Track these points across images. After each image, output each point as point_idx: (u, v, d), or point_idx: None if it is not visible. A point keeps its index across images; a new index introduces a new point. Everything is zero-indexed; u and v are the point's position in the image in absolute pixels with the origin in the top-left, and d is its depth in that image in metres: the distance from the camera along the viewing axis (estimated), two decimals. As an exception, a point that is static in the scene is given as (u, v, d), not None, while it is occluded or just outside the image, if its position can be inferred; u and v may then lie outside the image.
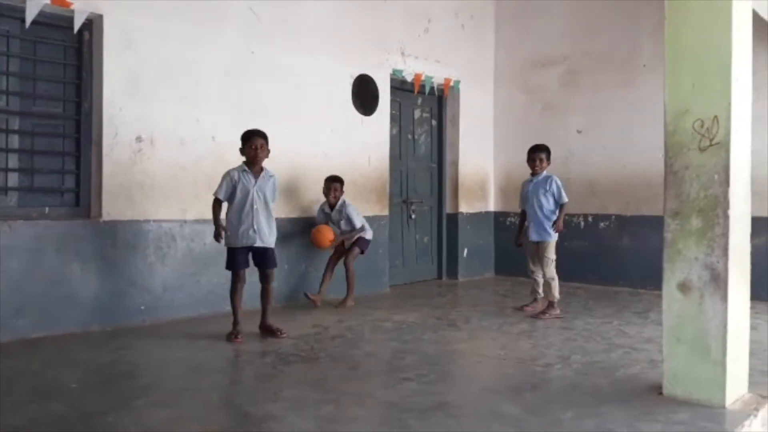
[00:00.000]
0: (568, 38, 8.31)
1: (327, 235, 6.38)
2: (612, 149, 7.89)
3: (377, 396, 3.81)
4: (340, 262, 6.64)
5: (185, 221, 5.80)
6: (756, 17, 5.19)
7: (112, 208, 5.39)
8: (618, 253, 7.78)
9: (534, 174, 6.34)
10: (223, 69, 6.05)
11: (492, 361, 4.74)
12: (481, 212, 8.82)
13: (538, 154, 6.31)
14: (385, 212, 7.45)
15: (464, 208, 8.56)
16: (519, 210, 6.67)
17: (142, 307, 5.54)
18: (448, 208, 8.58)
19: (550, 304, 6.16)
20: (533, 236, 6.27)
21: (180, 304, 5.74)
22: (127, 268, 5.47)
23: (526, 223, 6.39)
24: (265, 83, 6.33)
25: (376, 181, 7.33)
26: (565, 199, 6.21)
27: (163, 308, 5.63)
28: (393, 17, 7.54)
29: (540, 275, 6.29)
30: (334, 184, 6.52)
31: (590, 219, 8.16)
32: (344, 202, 6.54)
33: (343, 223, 6.53)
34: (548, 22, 8.46)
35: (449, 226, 8.56)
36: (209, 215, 5.27)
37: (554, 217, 6.20)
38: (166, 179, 5.69)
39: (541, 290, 6.34)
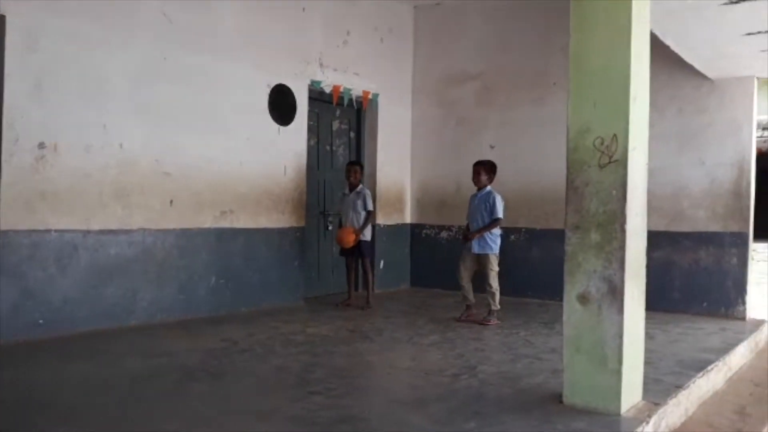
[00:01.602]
0: (482, 55, 8.51)
1: (350, 236, 6.93)
2: (523, 164, 8.11)
3: (283, 411, 3.75)
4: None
5: (89, 231, 5.58)
6: (655, 39, 5.50)
7: (10, 217, 5.10)
8: (527, 266, 7.99)
9: (477, 188, 6.54)
10: (133, 74, 5.87)
11: (401, 373, 4.76)
12: (397, 224, 8.89)
13: (476, 168, 6.55)
14: (301, 223, 7.40)
15: (381, 219, 8.59)
16: (462, 223, 7.05)
17: (41, 321, 5.28)
18: (364, 220, 8.58)
19: (491, 312, 6.39)
20: (475, 248, 6.43)
21: (81, 318, 5.50)
22: (24, 280, 5.20)
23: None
24: (177, 89, 6.19)
25: (292, 191, 7.27)
26: (498, 215, 6.40)
27: (64, 322, 5.38)
28: (312, 28, 7.53)
29: (469, 283, 6.55)
30: (354, 167, 7.14)
31: (501, 231, 8.32)
32: (363, 186, 7.14)
33: (359, 204, 7.01)
34: (464, 39, 8.66)
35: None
36: (115, 225, 5.09)
37: (497, 231, 6.46)
38: (70, 187, 5.45)
39: (471, 297, 6.56)
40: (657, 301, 6.56)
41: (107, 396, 3.96)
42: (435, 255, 8.65)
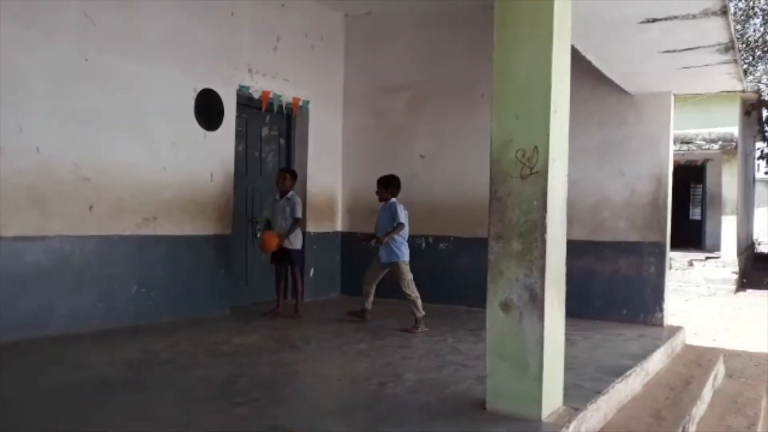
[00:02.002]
0: (413, 65, 8.58)
1: (273, 240, 6.83)
2: (452, 174, 8.22)
3: (206, 423, 3.66)
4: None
5: (2, 238, 5.33)
6: (578, 54, 5.68)
7: None
8: (456, 273, 8.08)
9: (380, 202, 6.73)
10: (52, 75, 5.65)
11: (328, 382, 4.73)
12: (328, 232, 8.85)
13: (377, 183, 6.74)
14: (228, 231, 7.26)
15: (312, 227, 8.53)
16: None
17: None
18: (294, 228, 8.50)
19: (417, 320, 6.45)
20: (383, 258, 6.51)
21: (-7, 328, 5.24)
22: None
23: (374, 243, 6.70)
24: (99, 92, 5.99)
25: (219, 198, 7.14)
26: (400, 220, 6.51)
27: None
28: (241, 33, 7.42)
29: (373, 290, 6.74)
30: (284, 173, 7.09)
31: (431, 240, 8.44)
32: (294, 193, 7.05)
33: (288, 210, 6.95)
34: (395, 49, 8.71)
35: (295, 245, 8.48)
36: (31, 232, 4.87)
37: (401, 240, 6.56)
38: (-18, 191, 5.20)
39: (369, 302, 6.75)
40: (579, 309, 6.70)
41: (21, 410, 3.78)
42: (366, 263, 8.62)
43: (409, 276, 6.54)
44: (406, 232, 6.61)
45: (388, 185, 6.71)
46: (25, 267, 5.48)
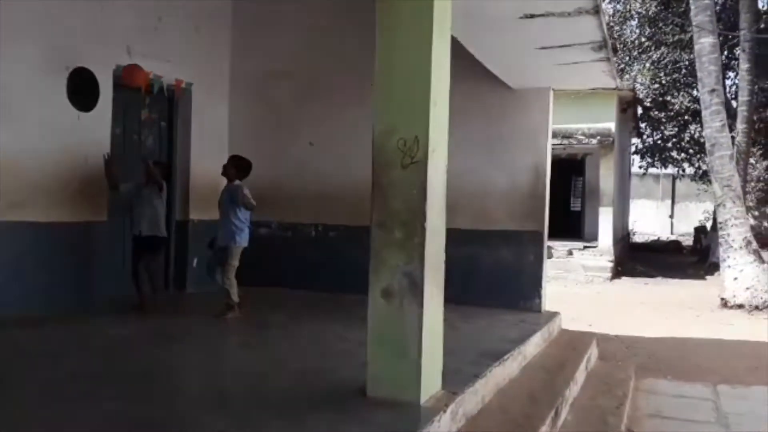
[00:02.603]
0: (301, 52, 8.46)
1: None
2: (342, 162, 8.17)
3: (74, 419, 3.46)
4: None
5: None
6: (462, 49, 5.79)
7: None
8: (346, 262, 8.05)
9: (229, 182, 6.58)
10: None
11: (206, 375, 4.60)
12: (213, 220, 8.57)
13: (230, 162, 6.62)
14: (103, 218, 6.90)
15: (195, 215, 8.26)
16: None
17: None
18: (178, 215, 8.21)
19: (231, 307, 6.28)
20: (221, 241, 6.41)
21: None
22: None
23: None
24: (-45, 67, 5.52)
25: (94, 183, 6.75)
26: (250, 202, 6.39)
27: None
28: (118, 10, 7.01)
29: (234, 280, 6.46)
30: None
31: (320, 228, 8.40)
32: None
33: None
34: (283, 35, 8.54)
35: (178, 234, 8.20)
36: None
37: (241, 225, 6.42)
38: None
39: (235, 295, 6.42)
40: (463, 295, 6.94)
41: None
42: (252, 251, 8.50)
43: (236, 263, 6.39)
44: (247, 217, 6.49)
45: (242, 168, 6.56)
46: None
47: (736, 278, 11.88)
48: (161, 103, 7.96)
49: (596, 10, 5.07)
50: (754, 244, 12.25)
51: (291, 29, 8.53)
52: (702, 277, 16.23)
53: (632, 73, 21.81)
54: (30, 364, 4.51)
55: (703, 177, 22.92)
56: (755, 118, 17.81)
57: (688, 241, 24.88)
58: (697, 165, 23.21)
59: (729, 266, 12.11)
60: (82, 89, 6.54)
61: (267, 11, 8.62)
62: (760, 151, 20.38)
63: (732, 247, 12.14)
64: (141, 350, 5.03)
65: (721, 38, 15.06)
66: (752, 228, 13.46)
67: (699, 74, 13.02)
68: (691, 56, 16.01)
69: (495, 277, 7.63)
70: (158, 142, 8.03)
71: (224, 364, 4.80)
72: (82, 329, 5.65)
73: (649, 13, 21.11)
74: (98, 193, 6.82)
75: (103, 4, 6.84)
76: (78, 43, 6.54)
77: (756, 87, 17.14)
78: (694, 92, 19.43)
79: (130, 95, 7.41)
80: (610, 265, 16.01)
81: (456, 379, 4.26)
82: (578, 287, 14.38)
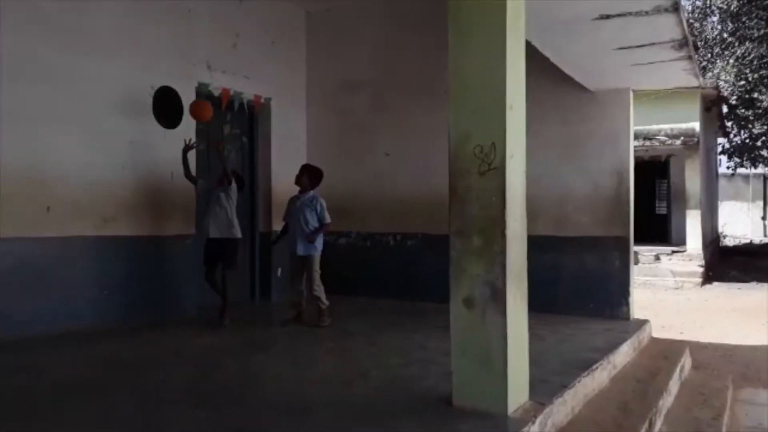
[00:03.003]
0: (376, 61, 8.55)
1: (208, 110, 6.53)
2: (418, 171, 8.20)
3: (165, 427, 3.59)
4: None
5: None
6: (537, 52, 5.70)
7: None
8: (424, 270, 8.07)
9: (301, 191, 6.62)
10: (2, 75, 5.50)
11: (292, 383, 4.65)
12: (296, 231, 8.75)
13: (302, 169, 6.68)
14: (191, 230, 7.15)
15: (278, 226, 8.39)
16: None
17: None
18: (261, 227, 8.43)
19: (322, 312, 6.40)
20: (300, 250, 6.45)
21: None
22: None
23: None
24: (49, 90, 5.86)
25: (181, 198, 7.01)
26: (328, 219, 6.51)
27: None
28: (198, 29, 7.30)
29: (304, 288, 6.57)
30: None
31: (398, 237, 8.42)
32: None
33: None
34: (357, 45, 8.66)
35: (262, 245, 8.41)
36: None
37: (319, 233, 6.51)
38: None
39: (303, 301, 6.59)
40: (545, 304, 6.78)
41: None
42: (334, 261, 8.60)
43: (319, 270, 6.50)
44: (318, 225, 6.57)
45: (317, 177, 6.64)
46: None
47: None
48: (242, 119, 8.21)
49: (675, 8, 4.88)
50: None
51: (365, 39, 8.64)
52: (801, 282, 15.29)
53: (715, 71, 20.88)
54: (126, 373, 4.70)
55: (797, 176, 21.71)
56: None
57: (783, 244, 23.55)
58: (789, 164, 22.02)
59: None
60: (166, 107, 6.81)
61: (341, 22, 8.77)
62: None
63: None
64: (228, 359, 5.17)
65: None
66: None
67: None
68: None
69: (579, 284, 7.44)
70: (240, 157, 8.26)
71: (309, 373, 4.86)
72: (173, 338, 5.87)
73: (731, 8, 20.18)
74: (186, 207, 7.08)
75: (183, 24, 7.12)
76: (162, 63, 6.83)
77: None
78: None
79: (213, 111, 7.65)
80: (700, 270, 15.32)
81: (543, 389, 4.17)
82: (667, 294, 13.81)
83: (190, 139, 6.63)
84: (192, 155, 6.72)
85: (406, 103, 8.34)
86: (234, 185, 6.56)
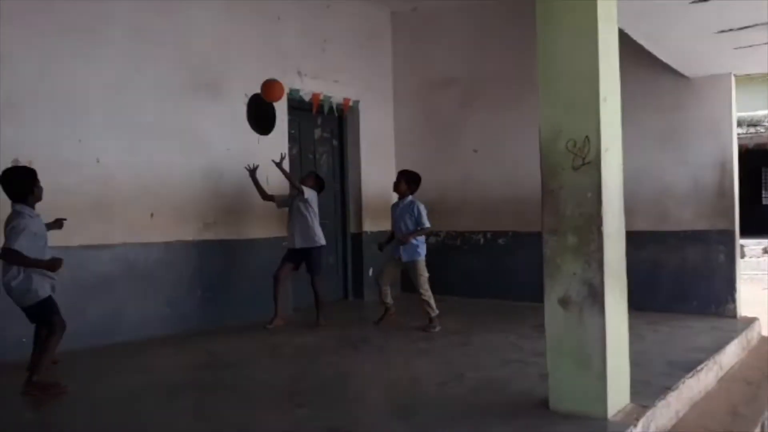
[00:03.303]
0: (462, 58, 8.49)
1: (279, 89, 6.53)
2: (507, 167, 8.08)
3: (266, 425, 3.70)
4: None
5: (69, 247, 5.49)
6: (630, 38, 5.48)
7: (-12, 235, 5.05)
8: (516, 268, 7.94)
9: (400, 197, 6.56)
10: (108, 88, 5.83)
11: (387, 382, 4.71)
12: (386, 231, 8.79)
13: (399, 176, 6.61)
14: (285, 233, 7.31)
15: (369, 227, 8.55)
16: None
17: (24, 340, 5.17)
18: (352, 228, 8.56)
19: (431, 319, 6.33)
20: (404, 257, 6.42)
21: (65, 336, 5.40)
22: (6, 298, 5.11)
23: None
24: (153, 102, 6.15)
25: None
26: (427, 224, 6.41)
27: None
28: (288, 36, 7.49)
29: (389, 287, 6.58)
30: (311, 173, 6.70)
31: (489, 235, 8.33)
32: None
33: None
34: (443, 43, 8.64)
35: (354, 245, 8.54)
36: (96, 240, 5.06)
37: (421, 238, 6.45)
38: (47, 204, 5.34)
39: (389, 299, 6.59)
40: (646, 302, 6.58)
41: (91, 414, 3.91)
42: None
43: (426, 274, 6.43)
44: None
45: (414, 181, 6.56)
46: (92, 275, 5.66)
47: None
48: (332, 122, 8.35)
49: (784, -16, 4.58)
50: None
51: (451, 36, 8.60)
52: None
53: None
54: (227, 372, 4.88)
55: None
56: None
57: None
58: None
59: None
60: (260, 114, 7.02)
61: (426, 21, 8.77)
62: None
63: None
64: (324, 358, 5.27)
65: None
66: None
67: None
68: None
69: (681, 280, 7.12)
70: (330, 160, 8.41)
71: (403, 373, 4.88)
72: (271, 338, 6.03)
73: None
74: (280, 210, 7.25)
75: (274, 32, 7.31)
76: (253, 70, 7.02)
77: None
78: None
79: (304, 116, 7.85)
80: (815, 262, 14.33)
81: (645, 391, 4.03)
82: (778, 289, 13.00)
83: (249, 165, 6.57)
84: (286, 163, 6.85)
85: (494, 99, 8.24)
86: (309, 191, 6.52)
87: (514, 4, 7.75)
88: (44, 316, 4.35)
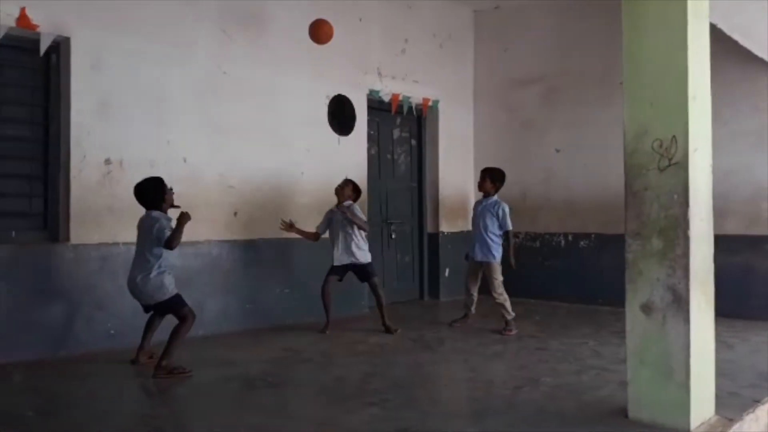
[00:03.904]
0: (545, 56, 8.33)
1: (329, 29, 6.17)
2: (590, 167, 7.87)
3: (339, 422, 3.74)
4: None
5: (157, 244, 5.74)
6: (724, 34, 5.22)
7: (80, 231, 5.34)
8: (598, 272, 7.71)
9: (484, 196, 6.45)
10: (194, 90, 6.04)
11: (460, 385, 4.68)
12: (462, 231, 8.73)
13: (483, 174, 6.48)
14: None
15: (445, 227, 8.52)
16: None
17: (112, 332, 5.46)
18: (429, 228, 8.55)
19: (507, 322, 6.24)
20: (478, 256, 6.34)
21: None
22: (95, 292, 5.40)
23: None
24: (238, 103, 6.32)
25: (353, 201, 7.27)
26: (509, 226, 6.29)
27: (133, 333, 5.48)
28: (369, 38, 7.56)
29: (476, 292, 6.52)
30: (346, 181, 6.37)
31: (570, 237, 8.13)
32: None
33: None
34: (526, 41, 8.50)
35: (430, 245, 8.52)
36: (183, 237, 5.27)
37: (498, 240, 6.33)
38: (136, 201, 5.63)
39: (473, 307, 6.55)
40: (736, 309, 6.26)
41: (168, 406, 4.06)
42: (502, 261, 8.52)
43: (501, 277, 6.32)
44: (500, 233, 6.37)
45: (500, 179, 6.43)
46: (177, 271, 5.82)
47: None
48: (411, 122, 8.36)
49: None
50: None
51: (534, 33, 8.46)
52: None
53: None
54: (304, 368, 4.98)
55: None
56: None
57: None
58: None
59: None
60: (340, 115, 7.10)
61: (509, 18, 8.68)
62: None
63: None
64: (398, 357, 5.28)
65: None
66: None
67: None
68: None
69: (775, 287, 6.73)
70: (409, 160, 8.42)
71: (477, 375, 4.83)
72: (347, 336, 6.10)
73: None
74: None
75: (355, 33, 7.39)
76: (335, 72, 7.13)
77: None
78: None
79: (383, 117, 7.90)
80: None
81: (732, 403, 3.85)
82: None
83: (286, 221, 6.31)
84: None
85: (578, 97, 8.05)
86: (347, 204, 6.26)
87: (599, 0, 7.55)
88: (176, 309, 4.80)
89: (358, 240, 6.27)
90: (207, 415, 3.89)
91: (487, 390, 4.41)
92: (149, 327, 5.06)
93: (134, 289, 4.81)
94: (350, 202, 6.31)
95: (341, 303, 6.82)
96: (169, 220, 4.85)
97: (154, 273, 4.74)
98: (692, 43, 3.43)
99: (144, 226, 4.82)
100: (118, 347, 5.37)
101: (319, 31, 6.17)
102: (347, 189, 6.33)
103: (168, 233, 4.69)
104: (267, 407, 4.01)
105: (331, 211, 6.41)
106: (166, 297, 4.78)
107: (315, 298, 6.66)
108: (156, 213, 4.83)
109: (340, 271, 6.35)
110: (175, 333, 4.73)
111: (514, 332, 6.20)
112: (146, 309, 4.96)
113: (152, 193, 4.86)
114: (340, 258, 6.28)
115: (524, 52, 8.53)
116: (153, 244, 4.73)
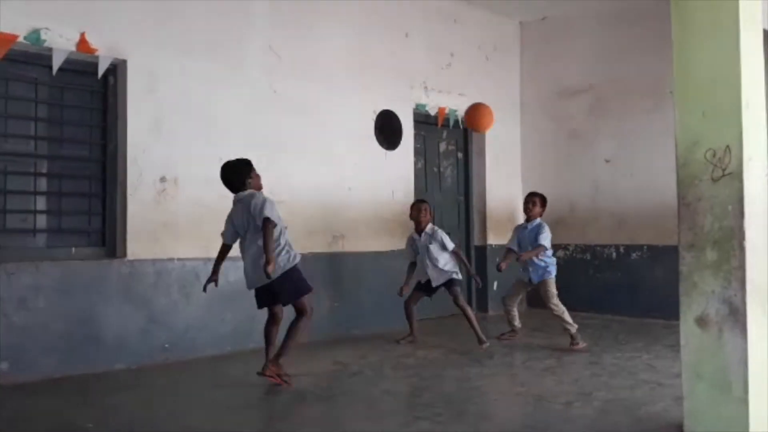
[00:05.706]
0: (593, 66, 8.26)
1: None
2: (641, 177, 7.75)
3: (389, 435, 3.76)
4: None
5: (209, 259, 5.83)
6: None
7: (136, 247, 5.50)
8: (651, 284, 7.57)
9: (528, 219, 6.42)
10: (245, 108, 6.18)
11: (511, 399, 4.64)
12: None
13: (531, 198, 6.44)
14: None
15: (493, 239, 8.47)
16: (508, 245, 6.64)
17: (166, 345, 5.60)
18: (476, 241, 8.52)
19: (573, 336, 6.12)
20: (534, 278, 6.31)
21: (203, 343, 5.79)
22: (151, 306, 5.55)
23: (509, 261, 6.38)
24: (287, 120, 6.44)
25: (401, 215, 7.28)
26: (541, 242, 6.21)
27: (187, 346, 5.67)
28: (415, 53, 7.62)
29: (515, 308, 6.56)
30: (423, 204, 6.39)
31: (622, 249, 8.00)
32: (434, 227, 6.36)
33: (433, 248, 6.22)
34: (572, 51, 8.44)
35: (478, 258, 8.48)
36: (233, 253, 5.38)
37: (548, 260, 6.28)
38: (190, 218, 5.78)
39: (516, 322, 6.54)
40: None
41: (224, 418, 4.13)
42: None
43: (556, 291, 6.24)
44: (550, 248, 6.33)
45: (545, 204, 6.42)
46: (229, 285, 5.96)
47: None
48: (457, 135, 8.37)
49: None
50: None
51: (582, 43, 8.40)
52: None
53: None
54: (353, 382, 5.00)
55: None
56: None
57: None
58: None
59: None
60: (387, 129, 7.17)
61: (555, 31, 8.63)
62: None
63: None
64: (449, 372, 5.26)
65: None
66: None
67: None
68: None
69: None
70: (456, 172, 8.42)
71: (527, 389, 4.78)
72: (396, 350, 6.11)
73: None
74: (405, 223, 7.34)
75: (401, 48, 7.46)
76: (382, 87, 7.22)
77: None
78: None
79: (429, 130, 7.94)
80: None
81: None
82: None
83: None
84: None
85: (627, 106, 7.95)
86: (429, 231, 6.30)
87: (648, 8, 7.45)
88: (300, 290, 4.88)
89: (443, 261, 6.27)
90: (260, 426, 3.95)
91: (538, 405, 4.36)
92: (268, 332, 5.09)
93: (258, 267, 4.72)
94: (432, 226, 6.34)
95: (390, 315, 6.84)
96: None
97: (282, 247, 4.79)
98: (744, 50, 3.36)
99: (242, 207, 4.77)
100: (172, 360, 5.52)
101: (482, 120, 6.45)
102: (424, 212, 6.32)
103: (273, 208, 4.68)
104: (318, 420, 4.05)
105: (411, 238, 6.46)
106: (292, 264, 4.88)
107: (364, 313, 6.71)
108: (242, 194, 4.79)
109: (429, 290, 6.44)
110: (293, 328, 4.82)
111: (582, 345, 6.06)
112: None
113: (236, 175, 4.85)
114: (434, 281, 6.33)
115: (571, 63, 8.47)
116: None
